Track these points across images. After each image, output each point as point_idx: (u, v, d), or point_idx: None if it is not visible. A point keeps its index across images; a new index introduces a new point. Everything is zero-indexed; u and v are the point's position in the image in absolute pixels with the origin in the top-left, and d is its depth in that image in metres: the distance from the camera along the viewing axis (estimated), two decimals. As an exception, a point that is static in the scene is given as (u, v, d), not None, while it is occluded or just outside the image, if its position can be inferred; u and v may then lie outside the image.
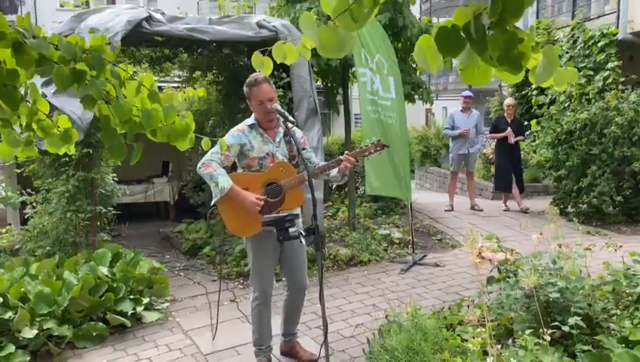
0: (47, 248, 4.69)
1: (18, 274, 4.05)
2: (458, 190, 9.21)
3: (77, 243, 4.74)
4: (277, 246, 3.01)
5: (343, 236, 6.08)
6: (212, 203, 3.00)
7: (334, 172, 3.00)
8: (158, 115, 1.56)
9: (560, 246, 2.99)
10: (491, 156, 9.34)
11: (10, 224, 5.90)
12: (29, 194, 5.11)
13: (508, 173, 7.97)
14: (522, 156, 8.68)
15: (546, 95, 8.38)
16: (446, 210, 8.10)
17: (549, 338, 2.27)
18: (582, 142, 7.00)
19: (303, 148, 3.11)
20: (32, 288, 3.77)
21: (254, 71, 2.97)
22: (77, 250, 4.63)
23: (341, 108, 8.17)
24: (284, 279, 3.32)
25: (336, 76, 6.95)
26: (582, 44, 8.49)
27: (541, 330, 2.35)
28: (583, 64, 8.12)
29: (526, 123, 8.57)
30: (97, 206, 4.93)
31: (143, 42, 5.51)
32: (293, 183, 2.95)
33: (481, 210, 8.10)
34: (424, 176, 12.48)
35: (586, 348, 2.51)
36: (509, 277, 3.18)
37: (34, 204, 5.05)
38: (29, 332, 3.38)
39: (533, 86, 8.53)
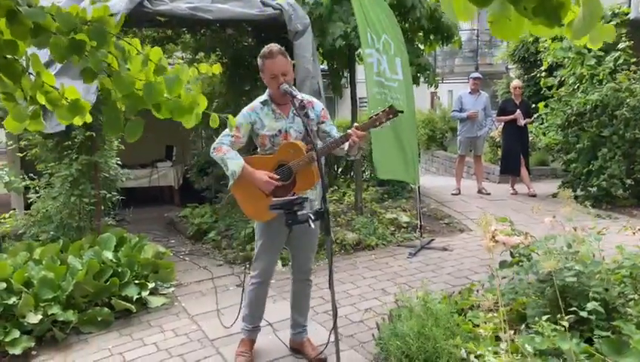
0: (51, 233, 4.64)
1: (22, 259, 4.00)
2: (465, 173, 9.11)
3: (81, 228, 4.69)
4: (286, 229, 2.84)
5: (349, 220, 6.00)
6: (228, 188, 2.91)
7: (346, 146, 2.78)
8: (161, 87, 1.46)
9: (575, 230, 2.91)
10: (498, 139, 9.21)
11: (14, 209, 5.86)
12: (32, 179, 5.05)
13: (517, 156, 7.86)
14: (530, 139, 8.55)
15: (555, 77, 8.24)
16: (453, 194, 8.00)
17: (567, 324, 2.20)
18: (592, 124, 6.87)
19: (322, 122, 2.96)
20: (36, 273, 3.72)
21: (258, 52, 2.86)
22: (81, 235, 4.57)
23: (346, 91, 8.04)
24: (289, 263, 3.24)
25: (341, 58, 6.81)
26: (592, 24, 8.31)
27: (559, 316, 2.28)
28: (594, 44, 7.96)
29: (533, 105, 8.43)
30: (101, 190, 4.87)
31: (145, 22, 5.39)
32: (301, 164, 2.78)
33: (489, 194, 8.01)
34: (430, 159, 12.39)
35: (604, 334, 2.45)
36: (522, 261, 3.11)
37: (37, 188, 4.99)
38: (34, 318, 3.34)
39: (542, 67, 8.35)
